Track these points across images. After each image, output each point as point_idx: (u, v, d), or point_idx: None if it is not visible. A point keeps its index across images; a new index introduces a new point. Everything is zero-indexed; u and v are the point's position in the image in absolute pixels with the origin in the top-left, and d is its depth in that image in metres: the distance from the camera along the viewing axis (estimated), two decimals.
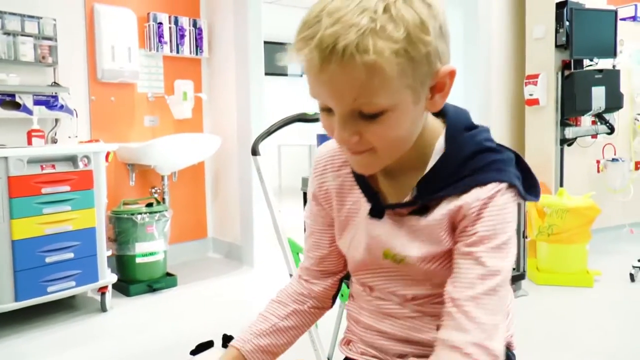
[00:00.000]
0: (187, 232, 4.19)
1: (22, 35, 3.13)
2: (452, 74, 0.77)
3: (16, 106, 3.11)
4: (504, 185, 0.81)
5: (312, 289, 1.05)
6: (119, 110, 3.73)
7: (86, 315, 3.06)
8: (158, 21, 3.85)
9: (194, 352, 1.40)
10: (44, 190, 2.82)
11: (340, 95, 0.73)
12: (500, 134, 4.05)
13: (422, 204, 0.85)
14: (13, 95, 3.13)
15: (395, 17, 0.70)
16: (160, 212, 3.45)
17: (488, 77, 3.95)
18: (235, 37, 3.97)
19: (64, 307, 3.13)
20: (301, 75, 4.90)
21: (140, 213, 3.37)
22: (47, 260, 2.84)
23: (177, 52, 3.97)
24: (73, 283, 2.94)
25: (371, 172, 0.87)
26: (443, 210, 0.83)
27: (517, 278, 3.15)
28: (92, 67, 3.55)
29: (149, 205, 3.51)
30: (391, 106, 0.74)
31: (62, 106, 3.31)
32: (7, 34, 3.08)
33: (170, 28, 3.91)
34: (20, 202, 2.75)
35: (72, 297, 3.17)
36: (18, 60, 3.11)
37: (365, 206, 0.91)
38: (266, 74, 4.15)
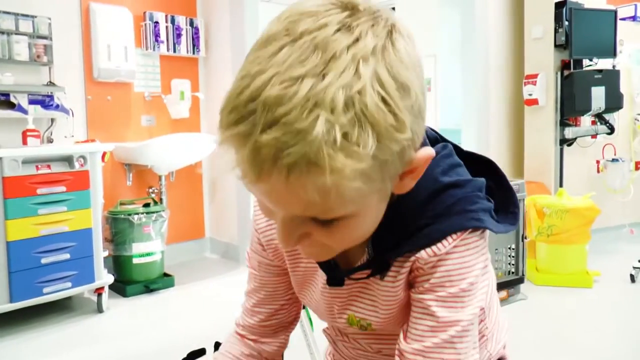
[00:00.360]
0: (185, 232, 4.17)
1: (16, 34, 3.09)
2: (428, 160, 0.62)
3: (11, 106, 3.08)
4: (467, 231, 0.68)
5: (263, 349, 0.91)
6: (115, 109, 3.70)
7: (82, 316, 3.03)
8: (154, 20, 3.82)
9: None
10: (39, 191, 2.80)
11: (283, 206, 0.56)
12: (499, 134, 4.04)
13: (378, 265, 0.72)
14: (7, 95, 3.10)
15: (360, 118, 0.51)
16: (157, 212, 3.42)
17: (486, 77, 3.93)
18: (232, 36, 3.94)
19: (60, 308, 3.11)
20: None
21: (137, 213, 3.35)
22: (43, 261, 2.81)
23: (174, 51, 3.95)
24: (69, 284, 2.91)
25: (322, 260, 0.74)
26: (401, 267, 0.71)
27: (516, 282, 3.13)
28: (88, 66, 3.52)
29: (146, 205, 3.49)
30: (352, 213, 0.58)
31: (57, 106, 3.29)
32: (1, 32, 3.05)
33: (167, 27, 3.89)
34: (15, 202, 2.72)
35: (69, 298, 3.15)
36: (12, 59, 3.08)
37: (321, 272, 0.78)
38: None
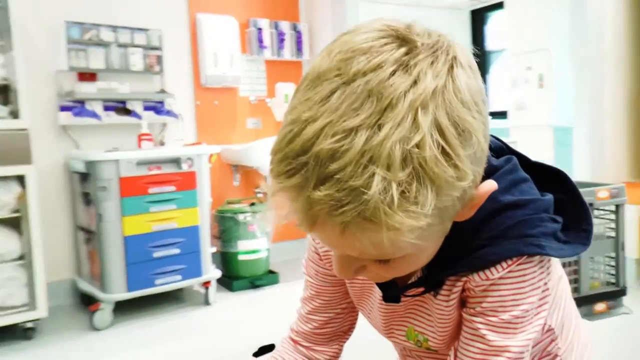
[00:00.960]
0: (290, 231, 4.28)
1: (132, 46, 3.38)
2: (489, 193, 0.60)
3: (127, 112, 3.36)
4: (523, 257, 0.64)
5: (316, 357, 0.90)
6: (222, 113, 3.90)
7: (191, 307, 3.22)
8: (258, 27, 3.98)
9: (256, 354, 1.44)
10: (151, 190, 3.02)
11: (339, 250, 0.57)
12: (615, 133, 3.73)
13: (432, 283, 0.70)
14: (124, 102, 3.40)
15: (419, 173, 0.48)
16: (262, 211, 3.55)
17: (601, 70, 3.64)
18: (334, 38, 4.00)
19: (171, 299, 3.33)
20: None
21: (243, 212, 3.50)
22: (155, 255, 3.03)
23: (278, 55, 4.08)
24: (179, 277, 3.12)
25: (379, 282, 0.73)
26: (454, 286, 0.69)
27: (616, 294, 2.83)
28: (197, 73, 3.75)
29: (252, 204, 3.64)
30: (409, 254, 0.57)
31: (168, 111, 3.53)
32: (120, 46, 3.34)
33: (270, 33, 4.03)
34: (130, 201, 2.96)
35: (179, 290, 3.36)
36: (129, 69, 3.37)
37: (377, 288, 0.77)
38: None
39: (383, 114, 0.48)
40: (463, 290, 0.68)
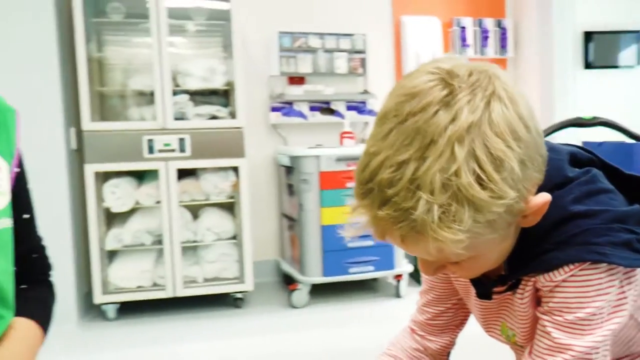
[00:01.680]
0: None
1: (337, 51, 3.65)
2: (545, 205, 0.67)
3: (331, 112, 3.65)
4: (587, 263, 0.69)
5: (428, 345, 0.99)
6: None
7: (383, 298, 3.38)
8: (461, 25, 3.98)
9: None
10: (348, 185, 3.24)
11: (410, 253, 0.69)
12: None
13: (511, 281, 0.78)
14: (328, 103, 3.69)
15: (457, 196, 0.59)
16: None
17: None
18: (541, 34, 3.83)
19: (364, 287, 3.52)
20: (633, 67, 4.40)
21: None
22: (350, 245, 3.25)
23: (481, 53, 4.04)
24: (371, 267, 3.29)
25: (467, 278, 0.84)
26: (527, 285, 0.77)
27: None
28: (399, 74, 3.90)
29: None
30: (473, 256, 0.67)
31: (370, 111, 3.74)
32: (326, 51, 3.64)
33: (474, 31, 4.01)
34: (329, 193, 3.22)
35: (372, 280, 3.54)
36: (333, 73, 3.66)
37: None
38: (589, 66, 3.88)
39: (427, 149, 0.60)
40: (537, 289, 0.75)
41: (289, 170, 3.41)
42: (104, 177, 3.07)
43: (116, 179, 3.08)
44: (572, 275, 0.69)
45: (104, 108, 3.28)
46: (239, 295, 3.23)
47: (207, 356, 2.62)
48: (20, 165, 0.88)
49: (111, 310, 3.07)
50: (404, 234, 0.62)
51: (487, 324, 0.89)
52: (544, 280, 0.72)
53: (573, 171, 0.74)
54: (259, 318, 3.07)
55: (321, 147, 3.36)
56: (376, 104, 3.78)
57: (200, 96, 3.26)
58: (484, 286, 0.82)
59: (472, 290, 0.86)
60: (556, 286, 0.71)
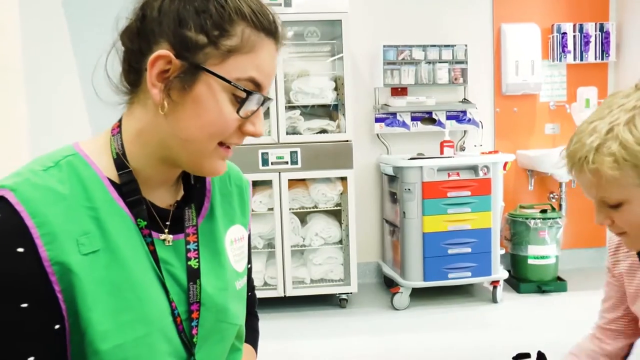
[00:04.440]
0: (583, 239, 4.20)
1: (439, 62, 3.75)
2: None
3: (432, 121, 3.77)
4: None
5: (604, 347, 1.19)
6: (520, 120, 4.04)
7: (479, 303, 3.51)
8: (562, 31, 3.97)
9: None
10: (449, 194, 3.38)
11: (587, 191, 0.98)
12: None
13: None
14: (430, 113, 3.81)
15: (616, 138, 0.90)
16: (553, 218, 3.61)
17: None
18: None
19: (461, 292, 3.66)
20: None
21: (534, 218, 3.62)
22: (449, 251, 3.39)
23: (581, 59, 4.02)
24: (469, 273, 3.43)
25: (635, 250, 1.01)
26: None
27: None
28: (498, 82, 3.96)
29: (543, 211, 3.71)
30: (625, 200, 0.93)
31: (469, 119, 3.83)
32: (428, 62, 3.74)
33: (574, 36, 3.99)
34: (430, 202, 3.36)
35: (469, 285, 3.67)
36: (435, 83, 3.76)
37: None
38: None
39: (607, 114, 0.94)
40: None
41: (392, 179, 3.56)
42: None
43: None
44: None
45: None
46: (343, 296, 3.45)
47: (313, 353, 2.85)
48: None
49: None
50: (579, 158, 0.93)
51: None
52: None
53: None
54: (362, 318, 3.28)
55: (422, 156, 3.49)
56: (475, 112, 3.87)
57: (311, 109, 3.47)
58: None
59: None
60: None
